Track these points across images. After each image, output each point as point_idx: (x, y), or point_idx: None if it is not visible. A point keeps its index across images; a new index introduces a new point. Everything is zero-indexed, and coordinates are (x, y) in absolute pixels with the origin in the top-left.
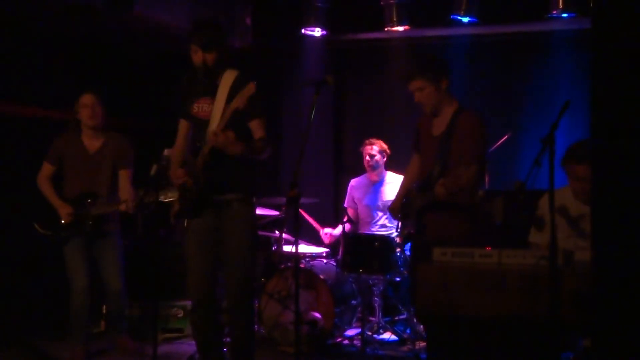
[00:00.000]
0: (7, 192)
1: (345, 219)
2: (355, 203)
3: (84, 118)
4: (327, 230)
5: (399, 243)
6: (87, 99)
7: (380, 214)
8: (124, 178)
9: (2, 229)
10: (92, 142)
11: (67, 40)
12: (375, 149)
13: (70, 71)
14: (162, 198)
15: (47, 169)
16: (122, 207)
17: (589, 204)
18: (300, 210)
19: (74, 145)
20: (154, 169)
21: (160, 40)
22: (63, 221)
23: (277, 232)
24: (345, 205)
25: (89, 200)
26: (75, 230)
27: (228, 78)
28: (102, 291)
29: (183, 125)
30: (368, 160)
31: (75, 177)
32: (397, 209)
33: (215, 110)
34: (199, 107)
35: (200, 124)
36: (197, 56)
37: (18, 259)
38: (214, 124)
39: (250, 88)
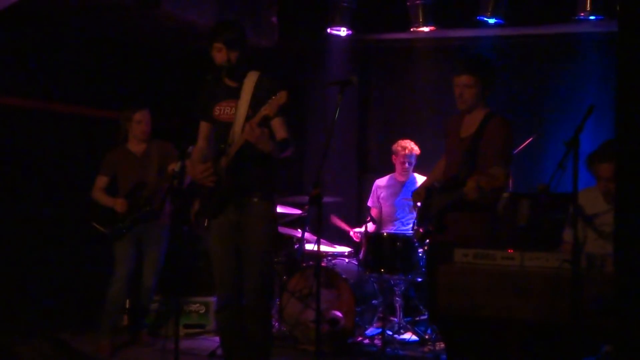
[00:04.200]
0: (30, 186)
1: (368, 219)
2: (380, 202)
3: (137, 133)
4: (357, 230)
5: (417, 242)
6: (141, 115)
7: (404, 214)
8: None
9: (34, 226)
10: (138, 148)
11: (96, 36)
12: (415, 151)
13: (98, 67)
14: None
15: (102, 181)
16: (172, 167)
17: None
18: (332, 217)
19: (124, 154)
20: (178, 165)
21: (187, 37)
22: (119, 211)
23: (299, 230)
24: (370, 204)
25: (140, 186)
26: (132, 216)
27: (250, 80)
28: (131, 285)
29: (203, 126)
30: (405, 165)
31: (126, 179)
32: (420, 194)
33: (239, 113)
34: (221, 110)
35: (222, 127)
36: (221, 54)
37: (45, 253)
38: (238, 126)
39: (282, 96)
